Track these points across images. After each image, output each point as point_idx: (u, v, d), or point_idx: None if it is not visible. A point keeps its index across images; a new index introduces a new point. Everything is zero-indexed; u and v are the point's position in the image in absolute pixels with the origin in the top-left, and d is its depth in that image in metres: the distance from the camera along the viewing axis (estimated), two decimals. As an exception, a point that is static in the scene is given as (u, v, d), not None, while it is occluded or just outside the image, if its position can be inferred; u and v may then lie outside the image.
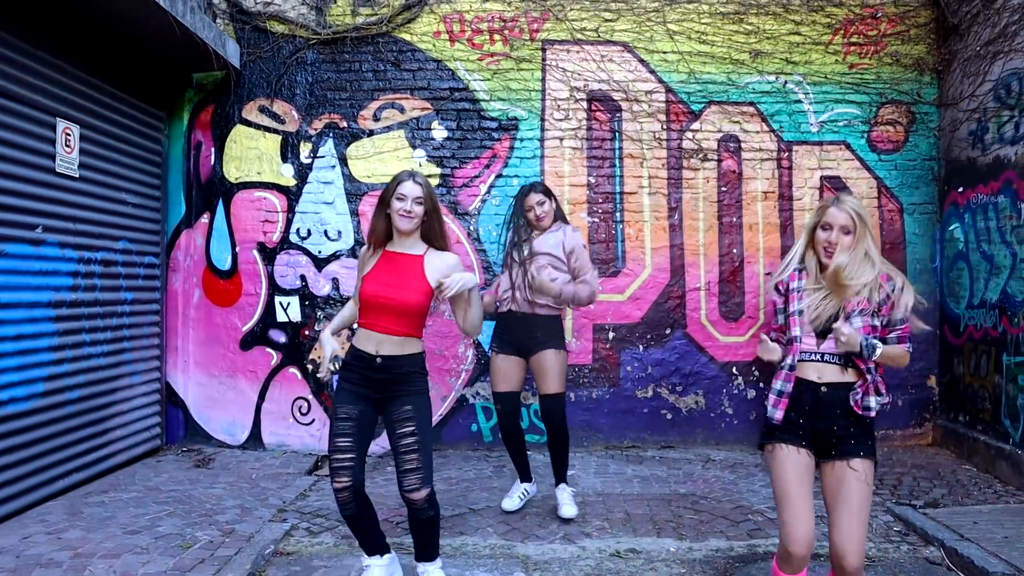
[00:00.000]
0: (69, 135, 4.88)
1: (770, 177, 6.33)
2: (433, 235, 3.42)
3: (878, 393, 2.82)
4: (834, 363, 2.84)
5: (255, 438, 6.18)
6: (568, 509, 4.54)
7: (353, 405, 3.33)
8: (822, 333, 2.85)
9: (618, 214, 6.30)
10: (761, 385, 6.29)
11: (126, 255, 5.62)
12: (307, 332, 6.22)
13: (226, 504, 4.81)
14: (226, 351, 6.25)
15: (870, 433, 2.86)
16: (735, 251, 6.34)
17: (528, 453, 4.83)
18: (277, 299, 6.21)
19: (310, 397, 6.21)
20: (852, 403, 2.81)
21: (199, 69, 6.11)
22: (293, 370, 6.23)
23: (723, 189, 6.33)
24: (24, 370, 4.55)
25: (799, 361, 2.89)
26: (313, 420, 6.19)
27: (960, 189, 6.03)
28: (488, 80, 6.27)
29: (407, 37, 6.25)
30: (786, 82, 6.32)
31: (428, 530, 3.39)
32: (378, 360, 3.31)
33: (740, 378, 6.31)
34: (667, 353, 6.28)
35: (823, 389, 2.83)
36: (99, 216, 5.28)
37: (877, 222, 6.33)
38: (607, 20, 6.26)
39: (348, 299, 3.66)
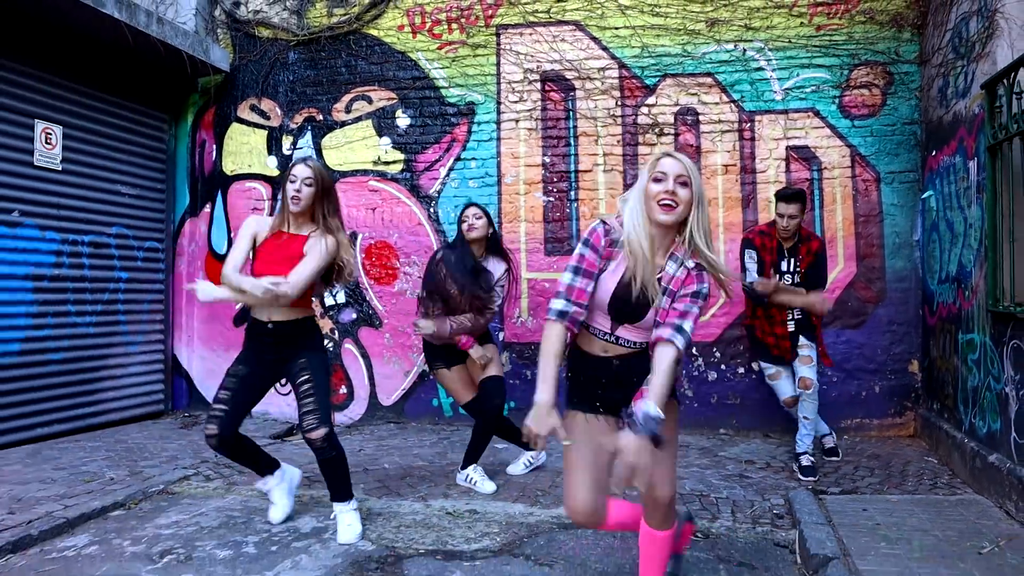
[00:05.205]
0: (50, 134, 5.70)
1: (731, 150, 6.05)
2: (320, 217, 3.76)
3: None
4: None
5: (244, 406, 6.77)
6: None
7: (244, 366, 3.83)
8: None
9: (573, 192, 6.29)
10: (723, 367, 6.02)
11: (121, 239, 6.41)
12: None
13: (164, 455, 5.38)
14: (223, 328, 6.91)
15: None
16: (696, 228, 6.10)
17: None
18: (262, 280, 6.80)
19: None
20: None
21: (202, 75, 6.84)
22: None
23: (680, 164, 6.12)
24: (-2, 331, 5.38)
25: None
26: (291, 391, 6.68)
27: (933, 152, 5.47)
28: (447, 68, 6.51)
29: (374, 32, 6.63)
30: (745, 50, 6.02)
31: (332, 471, 3.78)
32: (269, 326, 3.73)
33: (700, 359, 6.07)
34: (623, 332, 6.15)
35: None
36: (86, 204, 6.08)
37: (850, 193, 5.87)
38: (558, 0, 6.29)
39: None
